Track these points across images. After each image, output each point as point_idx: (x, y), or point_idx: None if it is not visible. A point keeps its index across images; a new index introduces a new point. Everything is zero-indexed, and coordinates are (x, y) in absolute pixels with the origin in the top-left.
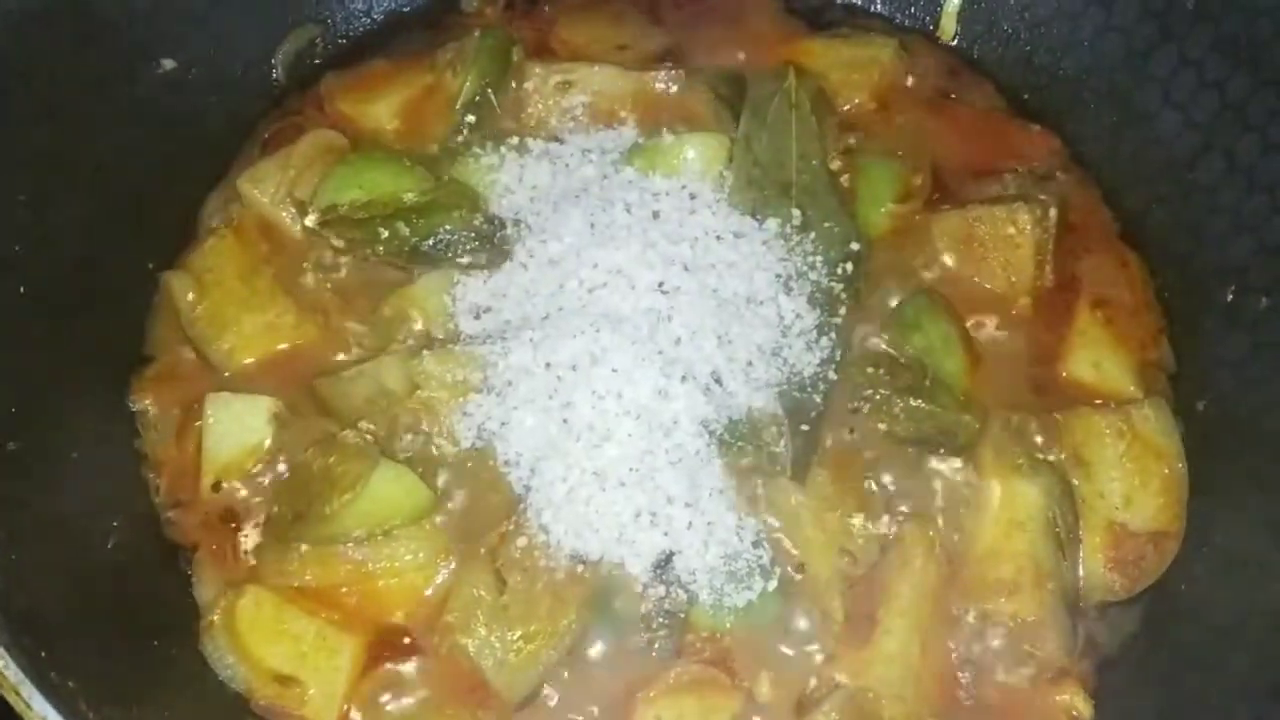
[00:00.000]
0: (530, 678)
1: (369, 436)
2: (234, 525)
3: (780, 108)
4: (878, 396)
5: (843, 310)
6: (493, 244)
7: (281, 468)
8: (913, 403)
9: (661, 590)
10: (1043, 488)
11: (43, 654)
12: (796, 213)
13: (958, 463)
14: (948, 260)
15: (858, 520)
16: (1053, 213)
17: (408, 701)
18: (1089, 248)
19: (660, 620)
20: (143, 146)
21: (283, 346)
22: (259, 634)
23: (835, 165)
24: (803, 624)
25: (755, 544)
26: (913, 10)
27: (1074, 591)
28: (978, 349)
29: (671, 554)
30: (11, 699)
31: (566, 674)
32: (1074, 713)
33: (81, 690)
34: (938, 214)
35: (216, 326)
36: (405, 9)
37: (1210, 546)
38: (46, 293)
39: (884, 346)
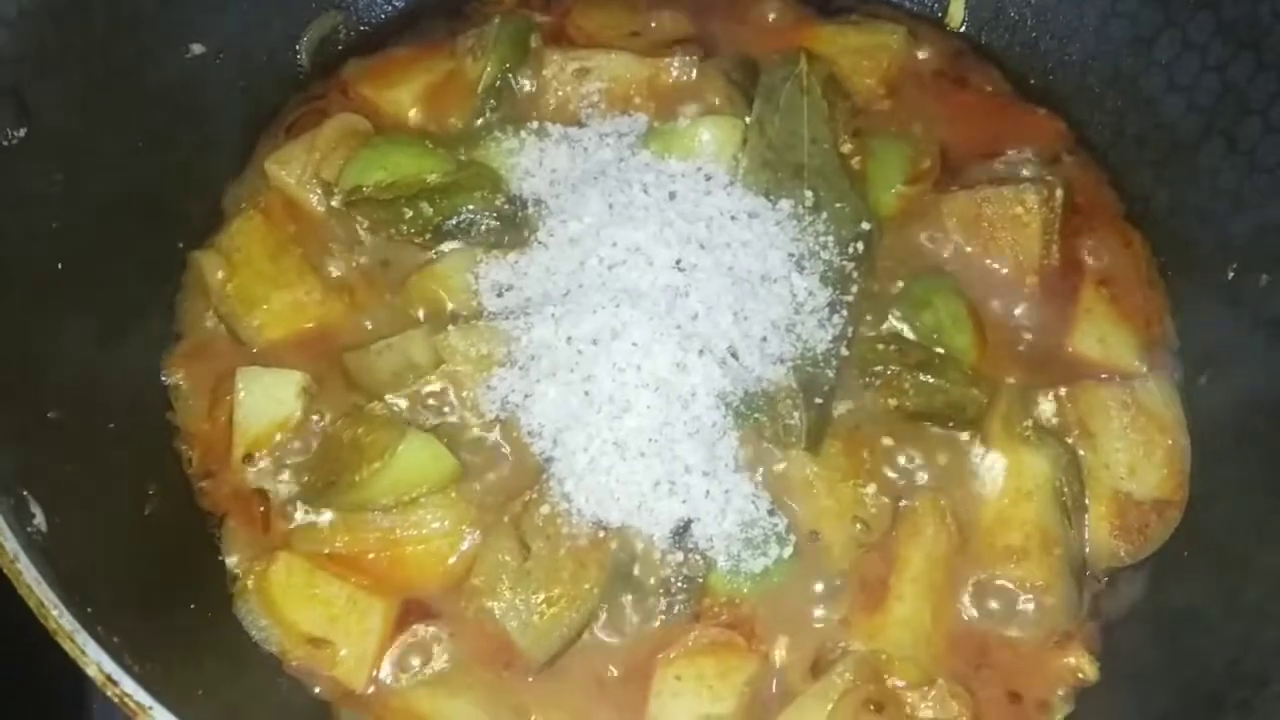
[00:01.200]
0: (554, 639)
1: (396, 409)
2: (265, 494)
3: (792, 92)
4: (889, 372)
5: (854, 289)
6: (514, 224)
7: (311, 439)
8: (922, 378)
9: (680, 556)
10: (1050, 458)
11: (89, 610)
12: (809, 194)
13: (967, 435)
14: (956, 240)
15: (870, 490)
16: (1059, 193)
17: (436, 663)
18: (1094, 228)
19: (679, 585)
20: (173, 129)
21: (310, 323)
22: (291, 598)
23: (846, 148)
24: (817, 589)
25: (771, 512)
26: None
27: (1080, 558)
28: (986, 326)
29: (690, 521)
30: (67, 645)
31: (588, 636)
32: (1080, 674)
33: (126, 645)
34: (946, 195)
35: (246, 304)
36: None
37: (1212, 515)
38: (83, 269)
39: (895, 324)
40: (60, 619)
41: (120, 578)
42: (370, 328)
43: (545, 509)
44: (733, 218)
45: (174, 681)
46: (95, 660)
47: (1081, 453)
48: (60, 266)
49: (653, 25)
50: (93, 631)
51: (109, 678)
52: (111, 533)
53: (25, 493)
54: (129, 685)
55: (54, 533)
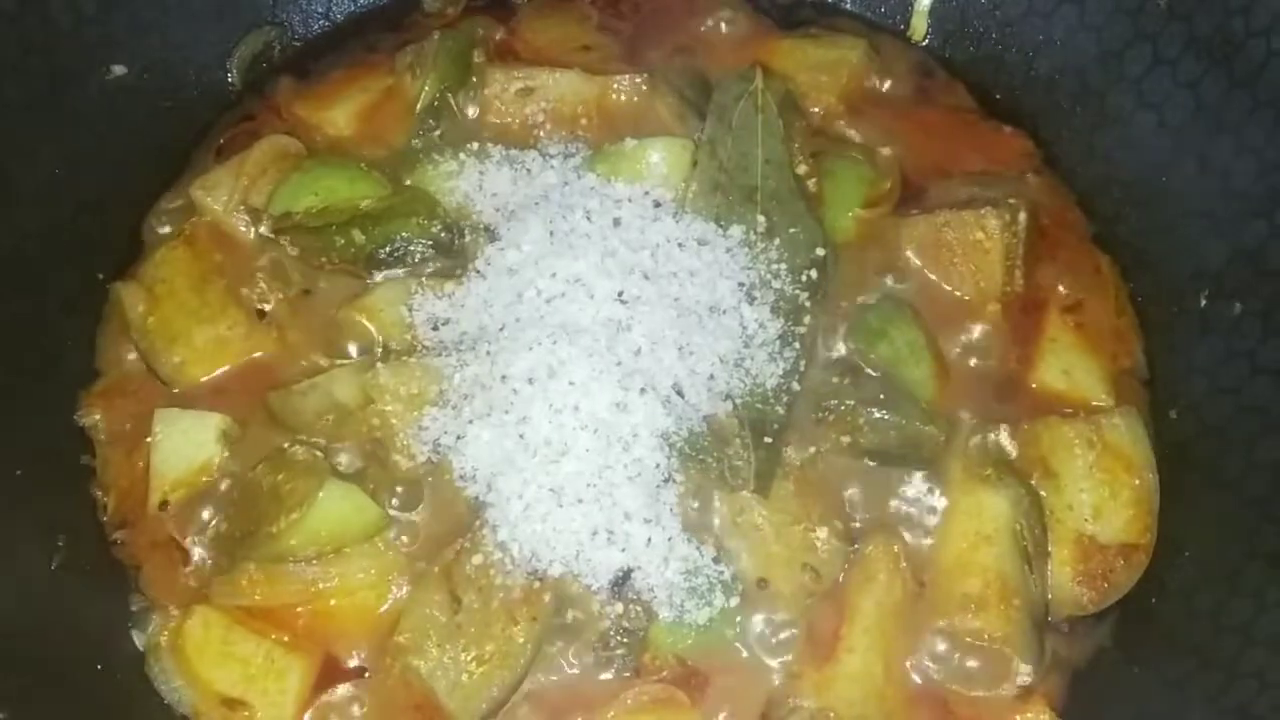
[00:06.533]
0: (484, 700)
1: (319, 453)
2: (182, 544)
3: (746, 111)
4: (842, 407)
5: (807, 319)
6: (451, 252)
7: (230, 485)
8: (878, 414)
9: (619, 608)
10: (1010, 499)
11: None
12: (762, 219)
13: (923, 474)
14: (916, 266)
15: (822, 534)
16: (1022, 217)
17: None
18: (1060, 252)
19: (619, 638)
20: (93, 154)
21: (235, 359)
22: (207, 656)
23: (802, 169)
24: (765, 641)
25: (716, 559)
26: (883, 9)
27: (1041, 606)
28: (945, 357)
29: (630, 570)
30: None
31: (521, 695)
32: None
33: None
34: (906, 219)
35: (167, 339)
36: (364, 10)
37: (1181, 559)
38: None
39: (849, 355)
40: None
41: (17, 641)
42: (298, 364)
43: (478, 558)
44: (680, 245)
45: None
46: None
47: (1043, 493)
48: None
49: (602, 39)
50: None
51: None
52: (12, 590)
53: None
54: None
55: None
